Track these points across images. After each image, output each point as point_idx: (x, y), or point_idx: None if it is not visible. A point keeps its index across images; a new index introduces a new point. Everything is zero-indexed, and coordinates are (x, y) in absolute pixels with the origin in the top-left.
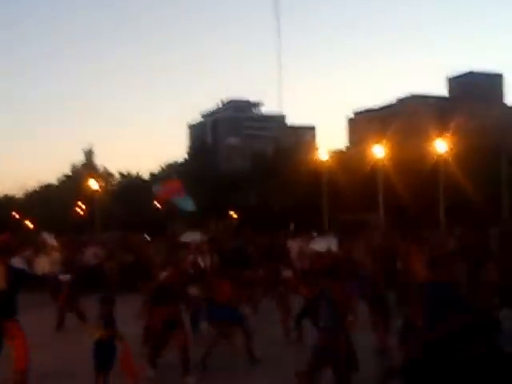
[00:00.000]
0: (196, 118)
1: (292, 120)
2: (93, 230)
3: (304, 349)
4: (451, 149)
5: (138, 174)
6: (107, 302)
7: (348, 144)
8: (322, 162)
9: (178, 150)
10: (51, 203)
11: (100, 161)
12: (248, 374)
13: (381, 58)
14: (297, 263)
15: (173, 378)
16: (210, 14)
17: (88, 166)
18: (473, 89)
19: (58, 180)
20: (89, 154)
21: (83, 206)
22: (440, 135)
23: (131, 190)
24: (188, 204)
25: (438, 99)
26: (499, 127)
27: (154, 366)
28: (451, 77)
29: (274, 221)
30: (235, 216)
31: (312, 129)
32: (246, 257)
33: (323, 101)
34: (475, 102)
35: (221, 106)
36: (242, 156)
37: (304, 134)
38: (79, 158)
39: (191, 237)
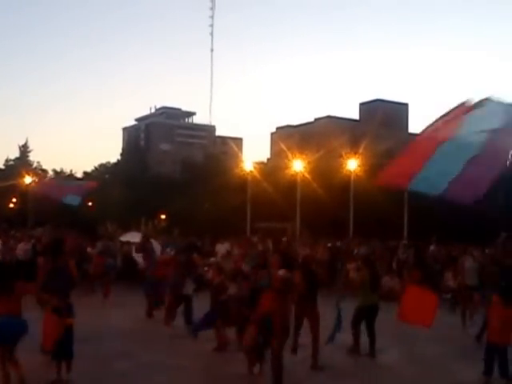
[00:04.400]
0: (131, 122)
1: (221, 131)
2: (24, 225)
3: None
4: (360, 167)
5: (71, 171)
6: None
7: (269, 156)
8: (247, 172)
9: (113, 151)
10: None
11: (37, 158)
12: None
13: (304, 79)
14: (223, 265)
15: None
16: (148, 24)
17: (22, 161)
18: (380, 115)
19: None
20: (24, 150)
21: (14, 200)
22: (351, 153)
23: None
24: (74, 200)
25: (351, 122)
26: (402, 149)
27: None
28: (362, 102)
29: (201, 225)
30: (163, 218)
31: (239, 140)
32: None
33: (251, 115)
34: (382, 126)
35: (153, 111)
36: (172, 161)
37: (231, 145)
38: (15, 154)
39: (131, 237)
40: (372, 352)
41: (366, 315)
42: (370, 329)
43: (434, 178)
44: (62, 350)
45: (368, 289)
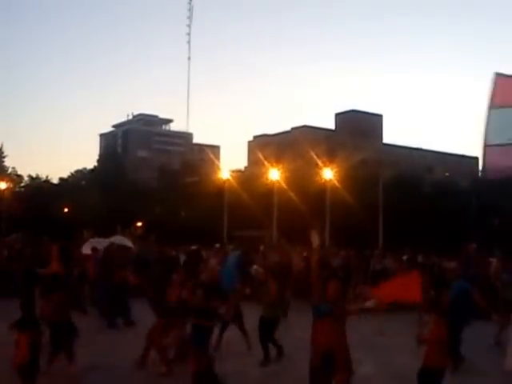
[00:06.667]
0: (108, 129)
1: (198, 139)
2: None
3: None
4: (335, 176)
5: (47, 177)
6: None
7: (246, 164)
8: (224, 180)
9: (90, 157)
10: None
11: (12, 163)
12: None
13: (281, 88)
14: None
15: None
16: (126, 32)
17: None
18: (355, 125)
19: None
20: None
21: None
22: (327, 163)
23: (39, 193)
24: None
25: (327, 131)
26: (377, 161)
27: None
28: (337, 113)
29: (177, 233)
30: (140, 225)
31: (216, 147)
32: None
33: (228, 123)
34: (357, 137)
35: (131, 117)
36: (149, 168)
37: (208, 152)
38: None
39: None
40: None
41: (271, 327)
42: (273, 339)
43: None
44: (27, 366)
45: (275, 301)
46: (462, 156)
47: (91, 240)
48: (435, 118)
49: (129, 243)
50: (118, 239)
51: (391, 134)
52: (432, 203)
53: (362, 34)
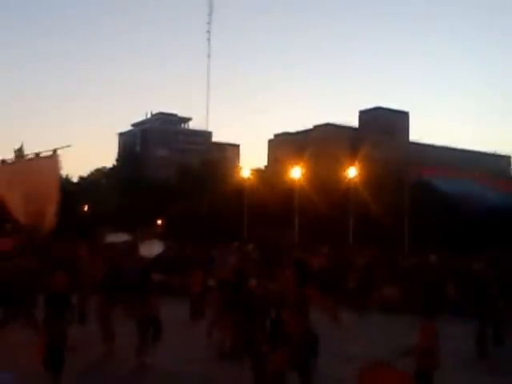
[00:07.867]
0: (126, 128)
1: (218, 137)
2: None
3: None
4: (359, 174)
5: (66, 176)
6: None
7: (267, 163)
8: (244, 178)
9: (108, 156)
10: None
11: None
12: None
13: (302, 86)
14: (219, 272)
15: None
16: (145, 30)
17: None
18: (380, 122)
19: None
20: (19, 154)
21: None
22: (350, 161)
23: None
24: None
25: (350, 129)
26: (402, 158)
27: None
28: (361, 110)
29: (197, 231)
30: (160, 223)
31: (236, 146)
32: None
33: (248, 121)
34: (382, 135)
35: (150, 116)
36: (168, 167)
37: (228, 151)
38: (10, 157)
39: (115, 238)
40: None
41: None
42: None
43: None
44: (52, 359)
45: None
46: (493, 155)
47: (109, 235)
48: (464, 115)
49: (157, 248)
50: (147, 246)
51: (417, 132)
52: (459, 204)
53: (385, 32)
